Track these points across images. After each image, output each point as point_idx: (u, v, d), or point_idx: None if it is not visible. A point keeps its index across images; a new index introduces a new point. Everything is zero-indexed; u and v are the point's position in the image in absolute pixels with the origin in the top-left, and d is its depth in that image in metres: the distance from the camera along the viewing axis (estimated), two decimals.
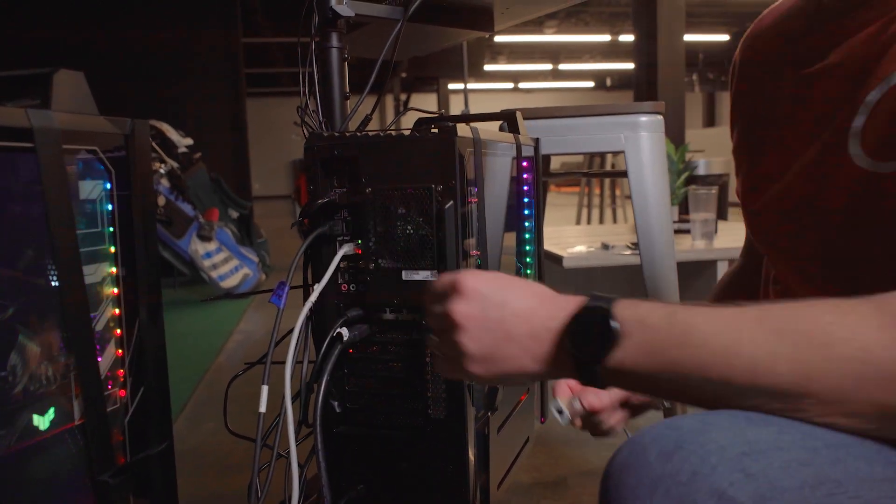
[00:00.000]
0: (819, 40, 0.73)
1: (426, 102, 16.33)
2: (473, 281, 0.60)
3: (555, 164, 13.83)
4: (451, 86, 13.70)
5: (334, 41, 0.91)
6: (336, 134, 0.78)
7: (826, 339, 0.47)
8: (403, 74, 14.28)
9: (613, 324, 0.55)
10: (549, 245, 2.44)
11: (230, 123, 6.10)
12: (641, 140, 1.29)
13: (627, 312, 0.55)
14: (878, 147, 0.65)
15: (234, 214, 4.64)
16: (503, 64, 15.30)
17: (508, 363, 0.59)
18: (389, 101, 17.17)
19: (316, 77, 0.90)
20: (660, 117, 1.32)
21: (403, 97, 16.48)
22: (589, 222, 5.41)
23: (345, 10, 0.89)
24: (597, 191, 5.52)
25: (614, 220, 5.53)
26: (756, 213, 0.82)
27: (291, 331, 0.75)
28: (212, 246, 3.90)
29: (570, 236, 2.78)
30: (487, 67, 14.97)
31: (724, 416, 0.53)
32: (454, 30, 1.04)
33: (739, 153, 0.87)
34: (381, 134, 0.76)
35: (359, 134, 0.78)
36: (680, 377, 0.52)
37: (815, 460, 0.47)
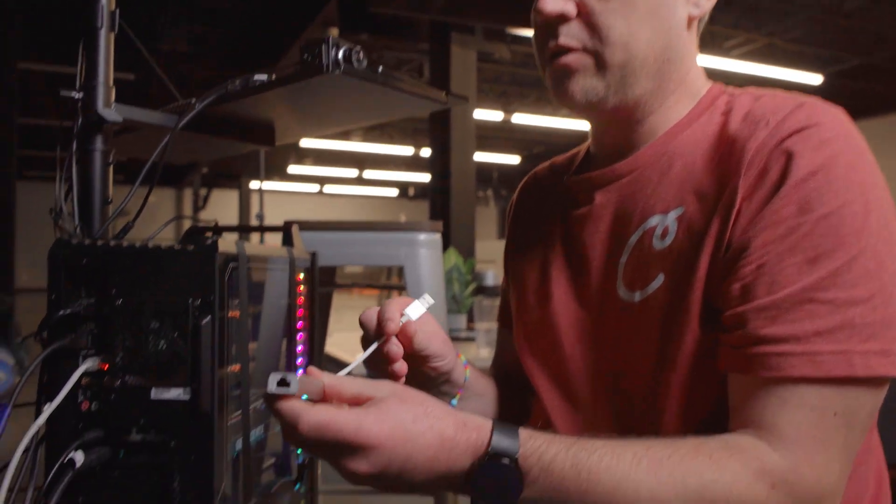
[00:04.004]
0: (585, 185, 0.82)
1: (228, 199, 15.94)
2: (378, 438, 0.56)
3: (357, 266, 13.99)
4: (254, 184, 13.55)
5: (98, 144, 0.87)
6: (87, 242, 0.74)
7: (710, 496, 0.58)
8: (205, 170, 13.91)
9: (518, 476, 0.58)
10: (338, 350, 2.43)
11: None
12: (419, 257, 1.36)
13: (532, 460, 0.59)
14: (630, 280, 0.75)
15: None
16: (309, 166, 15.48)
17: (401, 493, 0.60)
18: (189, 195, 16.53)
19: (74, 179, 0.86)
20: (438, 235, 1.41)
21: (204, 193, 15.98)
22: None
23: (112, 114, 0.86)
24: (396, 295, 5.65)
25: None
26: (527, 337, 0.89)
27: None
28: None
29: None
30: (292, 169, 15.05)
31: None
32: (234, 141, 1.05)
33: (515, 281, 0.94)
34: (137, 244, 0.74)
35: (112, 244, 0.74)
36: None
37: None
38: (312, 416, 0.57)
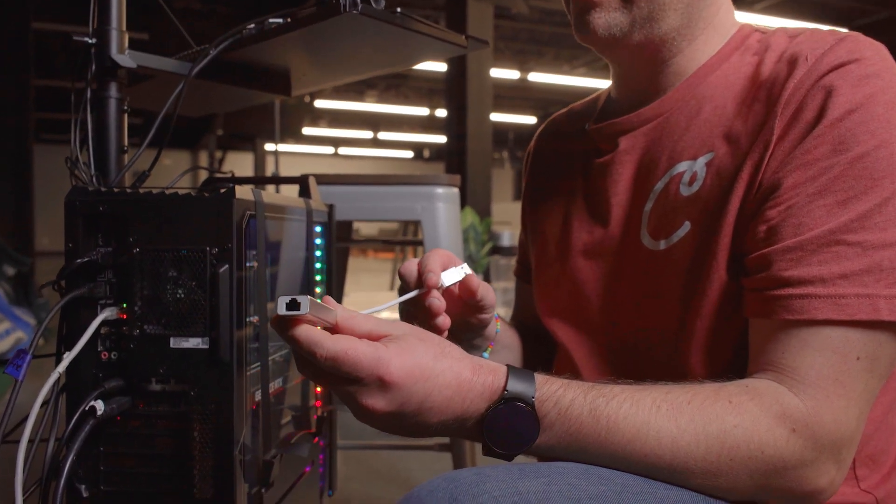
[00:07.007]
0: (608, 132, 0.79)
1: (243, 161, 15.93)
2: (398, 374, 0.54)
3: (373, 229, 14.00)
4: (269, 146, 13.52)
5: (112, 91, 0.85)
6: (102, 189, 0.73)
7: (731, 442, 0.57)
8: (220, 132, 13.87)
9: (534, 420, 0.56)
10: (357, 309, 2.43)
11: (12, 171, 5.53)
12: (437, 210, 1.34)
13: (549, 404, 0.57)
14: (655, 228, 0.72)
15: (11, 271, 4.15)
16: (324, 128, 15.40)
17: (413, 435, 0.59)
18: (204, 157, 16.53)
19: (90, 127, 0.84)
20: (455, 190, 1.38)
21: (219, 155, 15.97)
22: None
23: (126, 60, 0.84)
24: (410, 256, 5.66)
25: None
26: (548, 291, 0.87)
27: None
28: None
29: (380, 301, 2.81)
30: (307, 130, 14.99)
31: (500, 468, 0.57)
32: (249, 91, 1.03)
33: (533, 234, 0.91)
34: (154, 191, 0.72)
35: (129, 190, 0.73)
36: (603, 461, 0.58)
37: None
38: (329, 344, 0.53)
